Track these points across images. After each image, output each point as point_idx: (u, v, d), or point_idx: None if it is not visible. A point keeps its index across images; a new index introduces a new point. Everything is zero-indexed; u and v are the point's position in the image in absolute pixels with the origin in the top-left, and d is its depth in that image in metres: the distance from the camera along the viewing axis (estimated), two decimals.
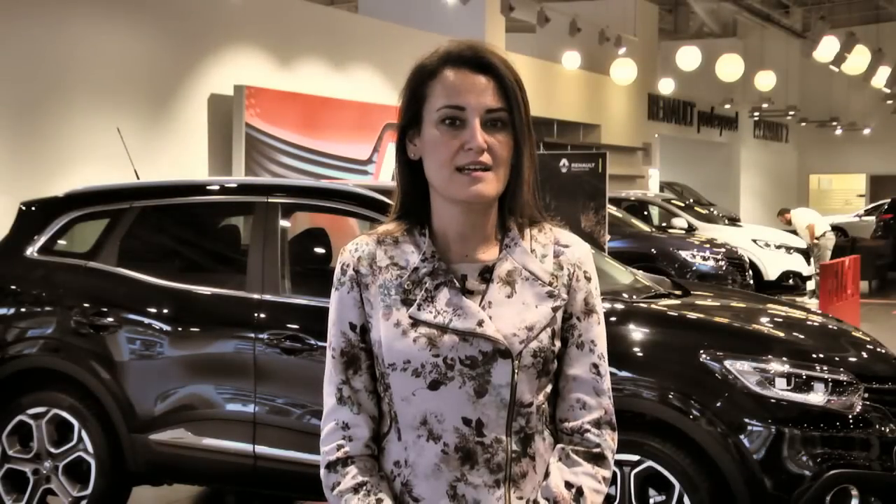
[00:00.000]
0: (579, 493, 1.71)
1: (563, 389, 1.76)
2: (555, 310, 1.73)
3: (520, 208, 1.75)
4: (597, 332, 1.77)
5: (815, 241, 15.47)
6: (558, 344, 1.74)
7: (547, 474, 1.73)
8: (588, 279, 1.78)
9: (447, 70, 1.70)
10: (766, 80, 21.35)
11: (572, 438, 1.75)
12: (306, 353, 4.34)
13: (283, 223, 4.65)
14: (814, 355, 4.13)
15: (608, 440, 1.76)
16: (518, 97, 1.70)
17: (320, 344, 4.28)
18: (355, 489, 1.71)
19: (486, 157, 1.67)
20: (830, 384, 3.99)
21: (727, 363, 3.98)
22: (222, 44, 11.03)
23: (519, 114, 1.70)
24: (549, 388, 1.75)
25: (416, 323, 1.69)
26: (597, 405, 1.75)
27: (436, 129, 1.69)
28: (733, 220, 17.79)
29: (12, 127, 8.80)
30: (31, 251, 5.02)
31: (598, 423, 1.75)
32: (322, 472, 1.76)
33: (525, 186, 1.73)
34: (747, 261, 13.36)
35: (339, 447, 1.74)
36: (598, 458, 1.74)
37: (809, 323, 4.77)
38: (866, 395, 4.03)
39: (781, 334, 4.38)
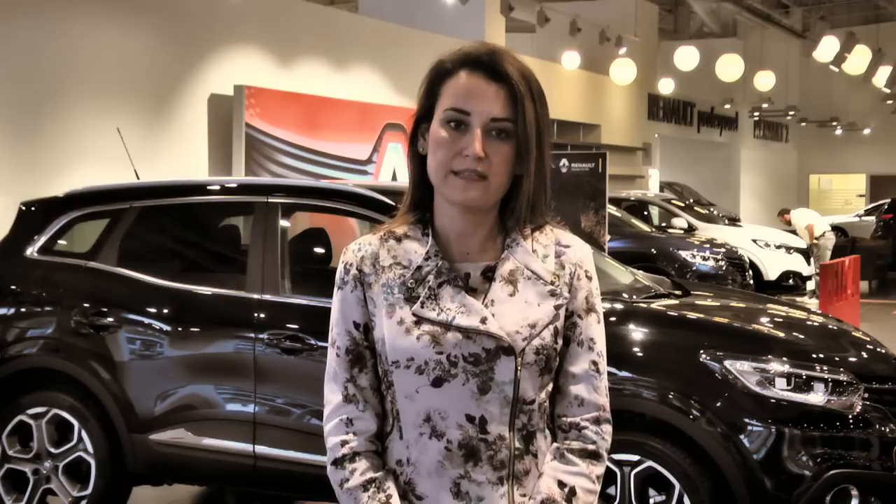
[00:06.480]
0: (572, 493, 1.72)
1: (562, 386, 1.77)
2: (557, 308, 1.74)
3: (516, 217, 1.75)
4: (596, 330, 1.79)
5: (815, 241, 15.47)
6: (560, 342, 1.75)
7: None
8: (589, 278, 1.79)
9: (463, 72, 1.71)
10: (765, 80, 21.34)
11: (569, 434, 1.76)
12: (306, 353, 4.34)
13: (283, 223, 4.65)
14: (814, 355, 4.13)
15: (605, 437, 1.77)
16: (525, 109, 1.69)
17: (320, 344, 4.28)
18: (364, 486, 1.72)
19: (481, 166, 1.67)
20: (830, 384, 3.99)
21: (727, 363, 3.98)
22: (222, 44, 11.02)
23: (524, 126, 1.69)
24: (550, 386, 1.76)
25: (419, 320, 1.70)
26: (595, 402, 1.77)
27: (441, 129, 1.70)
28: (733, 220, 17.79)
29: (12, 127, 8.80)
30: (31, 251, 5.02)
31: (596, 421, 1.77)
32: (329, 468, 1.76)
33: (523, 200, 1.73)
34: (747, 261, 13.36)
35: (345, 443, 1.74)
36: (593, 456, 1.75)
37: (809, 323, 4.77)
38: (866, 395, 4.03)
39: (781, 334, 4.38)
